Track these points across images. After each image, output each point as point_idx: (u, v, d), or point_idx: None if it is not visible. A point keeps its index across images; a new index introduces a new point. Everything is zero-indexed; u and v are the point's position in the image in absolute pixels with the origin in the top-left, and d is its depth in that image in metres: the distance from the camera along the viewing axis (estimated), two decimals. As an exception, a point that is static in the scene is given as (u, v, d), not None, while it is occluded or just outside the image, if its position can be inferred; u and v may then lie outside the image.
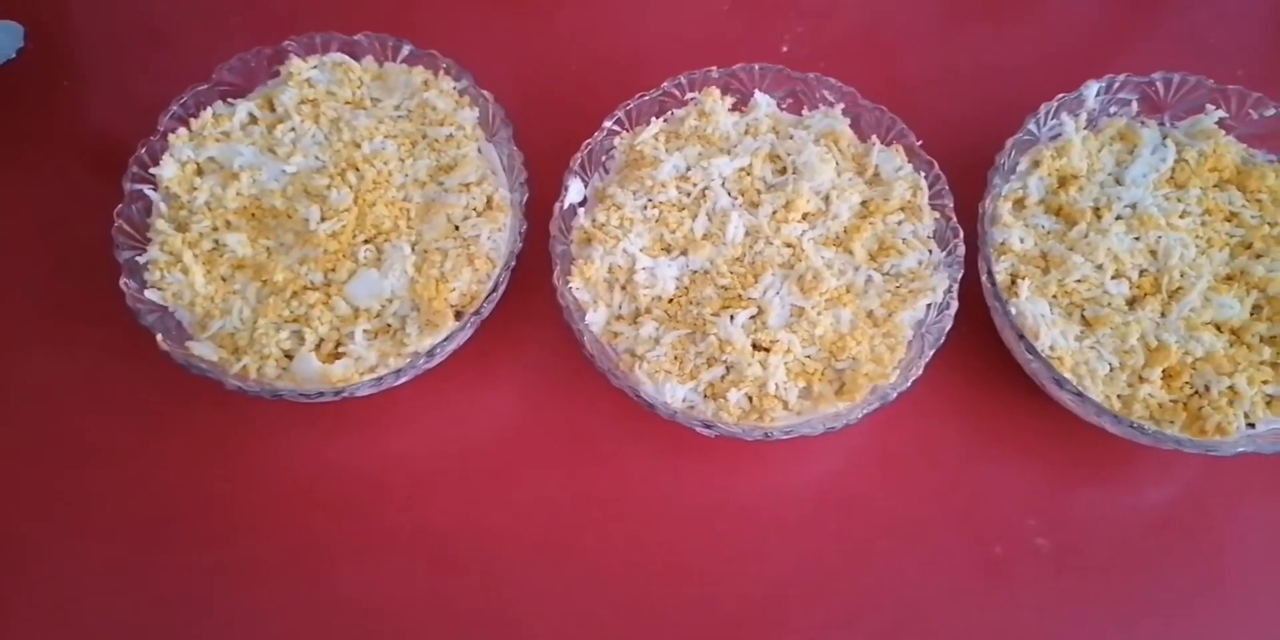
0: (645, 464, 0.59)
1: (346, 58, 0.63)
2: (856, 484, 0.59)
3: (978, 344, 0.60)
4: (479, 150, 0.61)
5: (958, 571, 0.57)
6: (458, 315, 0.56)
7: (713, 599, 0.57)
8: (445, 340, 0.55)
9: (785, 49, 0.72)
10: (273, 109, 0.62)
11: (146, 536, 0.57)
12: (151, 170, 0.59)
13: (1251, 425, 0.56)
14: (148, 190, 0.59)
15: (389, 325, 0.57)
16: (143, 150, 0.59)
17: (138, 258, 0.57)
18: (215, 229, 0.58)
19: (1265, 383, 0.56)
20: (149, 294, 0.56)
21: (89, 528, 0.58)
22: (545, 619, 0.56)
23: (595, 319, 0.57)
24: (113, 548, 0.57)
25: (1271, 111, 0.62)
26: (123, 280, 0.55)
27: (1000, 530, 0.58)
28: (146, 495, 0.58)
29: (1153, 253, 0.59)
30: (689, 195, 0.59)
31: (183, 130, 0.60)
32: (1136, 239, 0.59)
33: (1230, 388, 0.55)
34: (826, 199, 0.59)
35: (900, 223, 0.59)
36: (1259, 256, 0.59)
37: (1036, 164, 0.61)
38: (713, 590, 0.57)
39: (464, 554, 0.57)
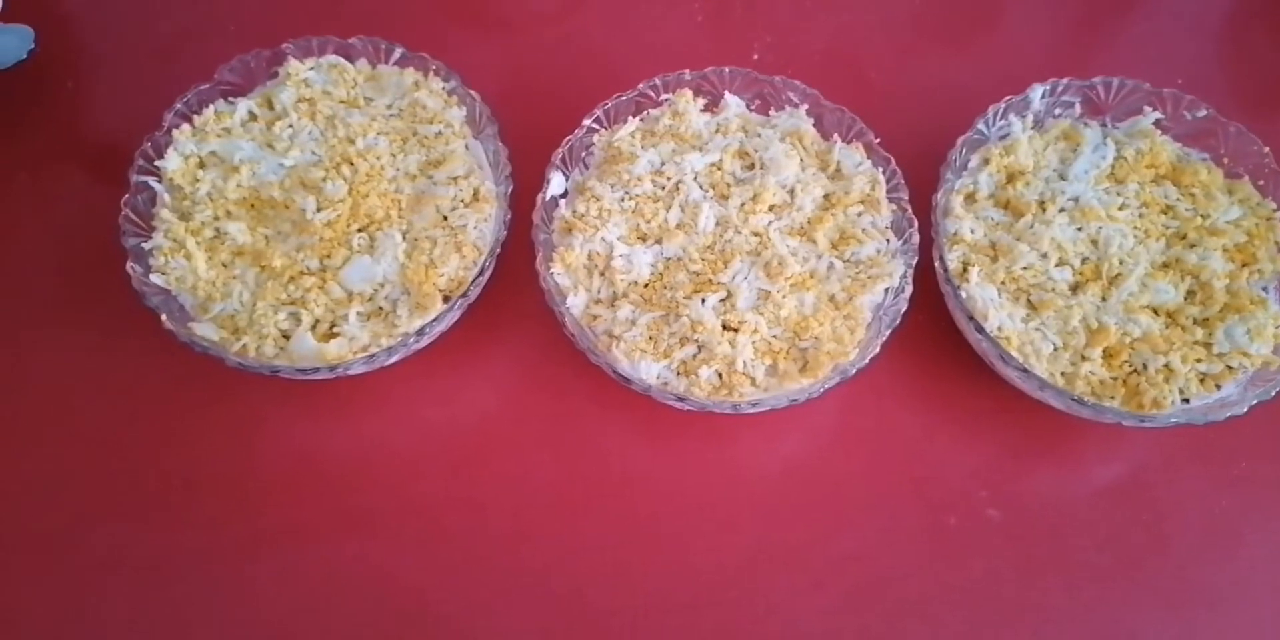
0: (623, 439, 0.63)
1: (342, 60, 0.67)
2: (820, 458, 0.63)
3: (931, 326, 0.65)
4: (466, 146, 0.65)
5: (914, 540, 0.61)
6: (446, 299, 0.60)
7: (686, 565, 0.60)
8: (434, 321, 0.58)
9: (755, 57, 0.77)
10: (271, 107, 0.65)
11: (147, 511, 0.60)
12: (156, 163, 0.62)
13: (1187, 400, 0.60)
14: (152, 182, 0.62)
15: (381, 308, 0.60)
16: (148, 144, 0.62)
17: (143, 244, 0.60)
18: (217, 218, 0.62)
19: (1199, 361, 0.60)
20: (153, 278, 0.59)
21: (92, 503, 0.60)
22: (529, 587, 0.59)
23: (575, 302, 0.61)
24: (115, 522, 0.60)
25: (1203, 113, 0.66)
26: (129, 265, 0.59)
27: (954, 501, 0.62)
28: (149, 469, 0.61)
29: (1094, 242, 0.63)
30: (663, 188, 0.64)
31: (186, 126, 0.63)
32: (1079, 230, 0.63)
33: (1166, 366, 0.60)
34: (791, 192, 0.63)
35: (860, 214, 0.63)
36: (1192, 246, 0.63)
37: (986, 161, 0.65)
38: (686, 557, 0.60)
39: (452, 525, 0.60)
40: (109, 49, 0.74)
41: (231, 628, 0.58)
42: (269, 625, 0.58)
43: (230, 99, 0.66)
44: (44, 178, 0.69)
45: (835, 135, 0.66)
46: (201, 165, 0.63)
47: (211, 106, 0.65)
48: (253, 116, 0.65)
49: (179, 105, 0.64)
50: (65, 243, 0.66)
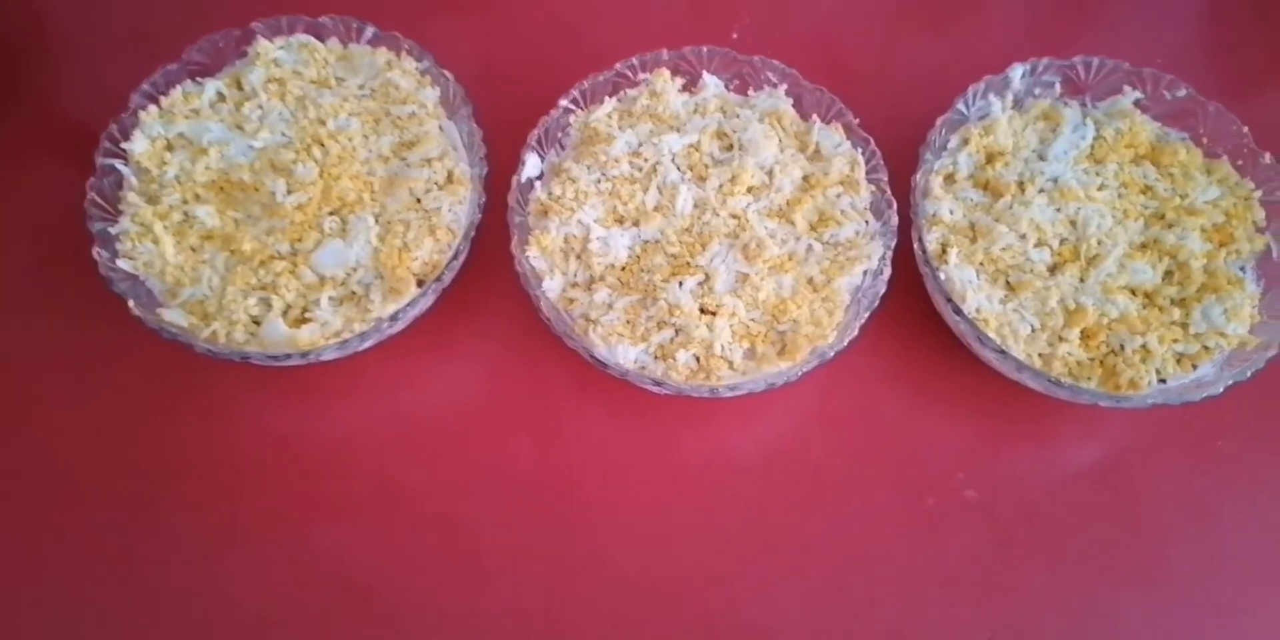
0: (600, 424, 0.62)
1: (312, 39, 0.65)
2: (799, 441, 0.63)
3: (910, 308, 0.64)
4: (440, 127, 0.64)
5: (893, 521, 0.61)
6: (420, 283, 0.59)
7: (666, 551, 0.60)
8: (407, 306, 0.57)
9: (735, 36, 0.76)
10: (240, 88, 0.64)
11: (118, 499, 0.59)
12: (123, 145, 0.61)
13: (1163, 381, 0.60)
14: (119, 165, 0.61)
15: (353, 292, 0.59)
16: (114, 126, 0.61)
17: (110, 229, 0.59)
18: (185, 201, 0.60)
19: (1175, 341, 0.60)
20: (120, 263, 0.58)
21: (61, 491, 0.59)
22: (509, 573, 0.59)
23: (551, 286, 0.60)
24: (86, 511, 0.59)
25: (1183, 92, 0.66)
26: (95, 250, 0.57)
27: (932, 483, 0.62)
28: (118, 458, 0.60)
29: (1072, 223, 0.63)
30: (640, 170, 0.63)
31: (153, 107, 0.62)
32: (1058, 210, 0.63)
33: (1143, 346, 0.60)
34: (770, 173, 0.63)
35: (839, 195, 0.63)
36: (1170, 226, 0.63)
37: (966, 141, 0.65)
38: (665, 541, 0.60)
39: (430, 512, 0.60)
40: (74, 29, 0.73)
41: (207, 615, 0.57)
42: (245, 612, 0.57)
43: (198, 79, 0.64)
44: (9, 162, 0.68)
45: (814, 116, 0.65)
46: (169, 147, 0.62)
47: (179, 87, 0.63)
48: (221, 97, 0.64)
49: (146, 86, 0.62)
50: (31, 227, 0.65)
